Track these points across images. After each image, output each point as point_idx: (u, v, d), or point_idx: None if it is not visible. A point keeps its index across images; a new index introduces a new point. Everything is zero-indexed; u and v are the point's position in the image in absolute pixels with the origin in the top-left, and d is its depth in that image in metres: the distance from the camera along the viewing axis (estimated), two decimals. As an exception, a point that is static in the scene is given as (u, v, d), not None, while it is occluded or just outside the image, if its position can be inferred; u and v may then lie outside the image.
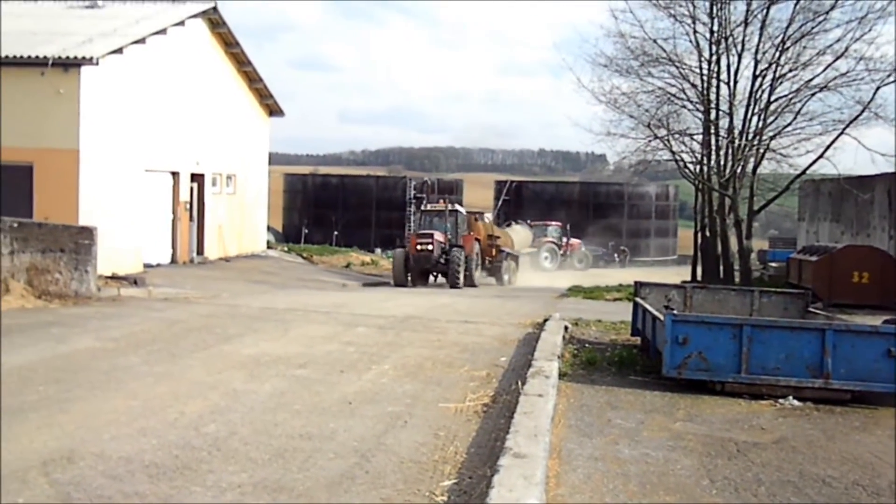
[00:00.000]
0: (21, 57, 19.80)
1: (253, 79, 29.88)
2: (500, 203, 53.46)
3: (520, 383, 8.43)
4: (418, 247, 27.43)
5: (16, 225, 14.92)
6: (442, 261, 27.51)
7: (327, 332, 12.44)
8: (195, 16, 25.61)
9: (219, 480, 5.53)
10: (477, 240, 30.00)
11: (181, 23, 24.42)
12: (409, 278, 28.11)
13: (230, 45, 28.03)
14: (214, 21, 26.90)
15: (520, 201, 54.09)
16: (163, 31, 23.14)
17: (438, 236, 27.93)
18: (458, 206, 31.41)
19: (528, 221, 45.71)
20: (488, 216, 34.89)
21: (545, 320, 13.61)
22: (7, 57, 19.77)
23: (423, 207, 30.88)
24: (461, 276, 26.92)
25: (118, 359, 9.57)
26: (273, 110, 32.26)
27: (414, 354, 10.73)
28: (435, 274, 29.09)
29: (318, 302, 17.14)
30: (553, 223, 46.30)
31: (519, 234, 43.35)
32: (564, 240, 45.30)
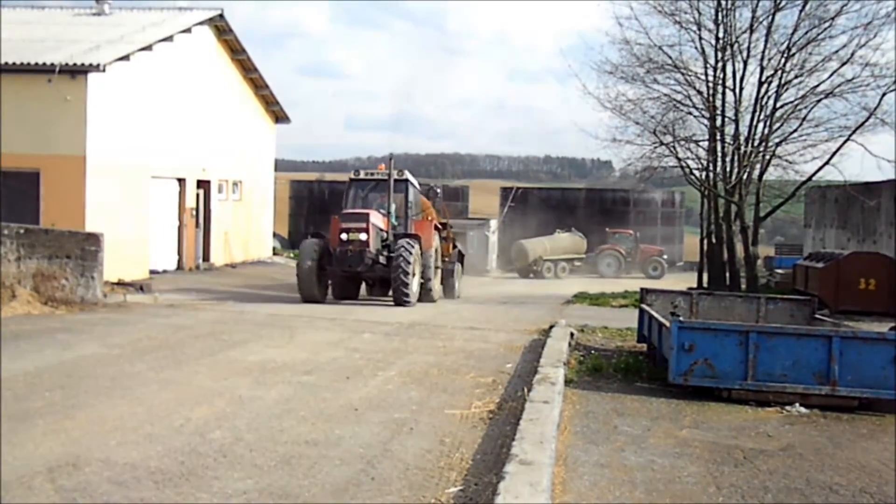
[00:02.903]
0: (28, 64, 19.88)
1: (259, 85, 29.93)
2: (505, 209, 53.41)
3: (525, 390, 8.42)
4: (343, 236, 18.28)
5: (22, 231, 14.98)
6: (381, 260, 18.76)
7: (333, 339, 12.44)
8: (201, 23, 25.67)
9: (224, 487, 5.53)
10: (437, 228, 21.43)
11: (188, 30, 24.49)
12: (330, 288, 19.51)
13: (236, 51, 28.09)
14: (221, 28, 26.96)
15: (525, 208, 54.01)
16: (169, 38, 23.20)
17: (377, 219, 19.14)
18: (407, 175, 20.81)
19: (607, 229, 47.27)
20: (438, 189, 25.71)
21: (551, 327, 13.60)
22: (14, 64, 19.86)
23: (355, 174, 21.08)
24: (412, 286, 18.39)
25: (124, 365, 9.59)
26: (279, 117, 32.30)
27: (420, 361, 10.73)
28: (371, 282, 20.63)
29: (324, 309, 17.16)
30: (622, 231, 47.32)
31: (566, 242, 44.16)
32: (634, 247, 46.26)
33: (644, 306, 12.25)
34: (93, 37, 22.83)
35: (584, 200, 55.89)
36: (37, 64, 19.86)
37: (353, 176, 21.22)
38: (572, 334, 12.97)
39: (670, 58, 24.66)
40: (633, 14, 25.09)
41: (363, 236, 18.37)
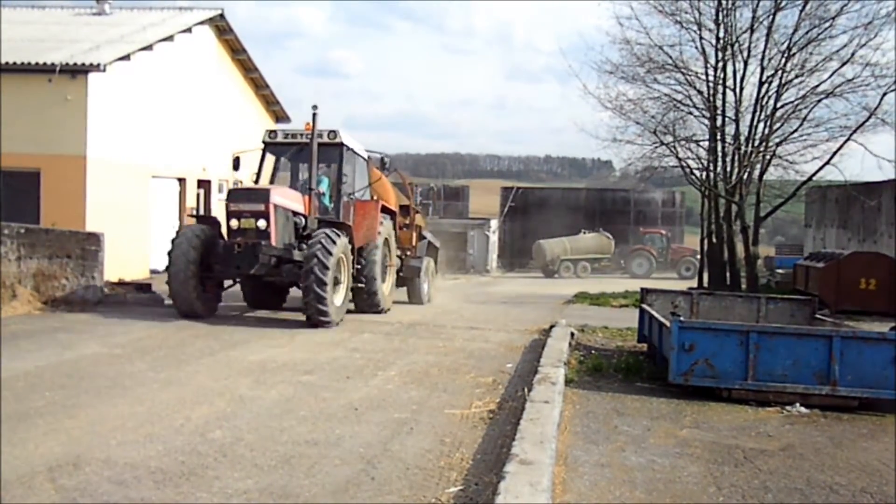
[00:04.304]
0: (29, 64, 19.88)
1: (259, 85, 29.91)
2: (506, 209, 53.44)
3: (526, 390, 8.42)
4: (232, 223, 13.50)
5: (23, 231, 14.98)
6: (298, 257, 13.58)
7: (333, 338, 12.44)
8: (202, 23, 25.67)
9: (225, 486, 5.53)
10: (389, 213, 16.69)
11: (188, 30, 24.49)
12: (245, 294, 15.35)
13: (237, 51, 28.08)
14: (221, 28, 26.96)
15: (526, 207, 54.06)
16: (170, 38, 23.21)
17: (287, 198, 14.11)
18: (343, 137, 15.37)
19: (641, 229, 49.08)
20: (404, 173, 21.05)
21: (551, 327, 13.60)
22: (15, 63, 19.86)
23: (270, 136, 15.72)
24: (333, 299, 13.31)
25: (124, 365, 9.59)
26: (279, 116, 32.27)
27: (420, 361, 10.73)
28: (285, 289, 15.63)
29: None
30: (654, 231, 48.59)
31: (590, 242, 44.68)
32: (666, 247, 47.39)
33: (644, 306, 12.25)
34: (93, 36, 22.83)
35: (584, 200, 55.97)
36: (37, 64, 19.86)
37: (267, 139, 15.62)
38: (573, 334, 12.97)
39: (671, 58, 24.66)
40: (633, 14, 25.11)
41: (261, 223, 13.26)
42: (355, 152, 16.20)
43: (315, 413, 7.63)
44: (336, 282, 13.61)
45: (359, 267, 15.17)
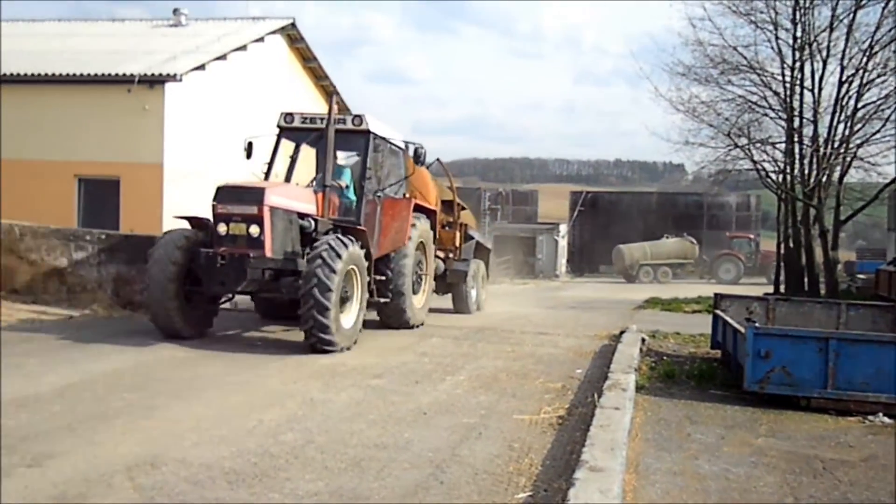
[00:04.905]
0: (108, 75, 20.52)
1: (329, 92, 30.21)
2: (575, 213, 53.07)
3: (596, 396, 8.32)
4: (220, 228, 11.28)
5: (103, 237, 15.44)
6: (303, 267, 11.24)
7: (402, 343, 12.50)
8: (274, 32, 26.15)
9: (296, 488, 5.59)
10: (426, 212, 14.75)
11: (261, 39, 24.98)
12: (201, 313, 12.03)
13: (307, 59, 28.50)
14: (293, 37, 27.41)
15: (595, 212, 53.60)
16: (243, 48, 23.70)
17: (288, 196, 11.89)
18: (370, 123, 13.29)
19: (728, 234, 48.03)
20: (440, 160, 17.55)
21: (621, 332, 13.43)
22: (95, 75, 20.53)
23: (285, 120, 13.74)
24: (338, 320, 11.02)
25: (199, 368, 9.79)
26: (349, 123, 32.65)
27: (489, 365, 10.70)
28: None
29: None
30: (742, 236, 47.75)
31: (672, 247, 44.33)
32: (754, 252, 46.62)
33: (718, 312, 12.00)
34: (170, 48, 23.46)
35: (655, 204, 55.24)
36: (117, 75, 20.49)
37: (282, 123, 13.73)
38: (643, 340, 12.79)
39: (745, 58, 24.14)
40: (706, 15, 24.68)
41: (253, 229, 11.08)
42: (387, 141, 14.04)
43: (384, 417, 7.67)
44: (345, 299, 11.50)
45: (383, 278, 13.12)
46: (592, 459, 5.87)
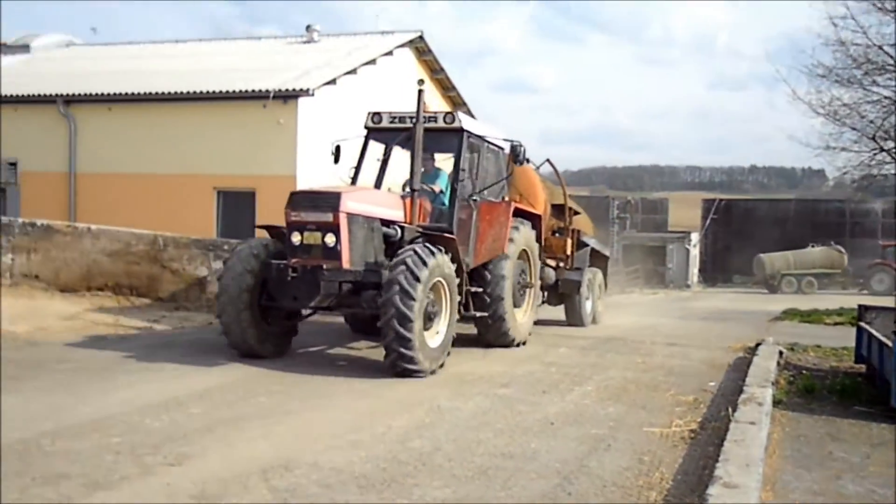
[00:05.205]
0: (245, 91, 21.42)
1: (456, 103, 30.59)
2: (707, 222, 51.62)
3: (730, 410, 8.04)
4: (294, 238, 10.52)
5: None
6: (380, 280, 10.08)
7: (528, 353, 12.45)
8: (402, 45, 26.64)
9: (424, 495, 5.64)
10: (529, 216, 13.54)
11: (389, 52, 25.49)
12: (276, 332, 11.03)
13: (435, 71, 28.88)
14: (420, 49, 27.85)
15: (729, 220, 51.96)
16: (372, 62, 24.26)
17: (361, 202, 10.81)
18: (462, 119, 12.38)
19: (881, 242, 45.75)
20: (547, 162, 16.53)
21: (757, 344, 12.94)
22: (233, 92, 21.47)
23: (373, 120, 12.90)
24: (414, 338, 9.65)
25: (330, 375, 10.02)
26: (475, 133, 32.89)
27: (617, 376, 10.52)
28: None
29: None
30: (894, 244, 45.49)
31: (817, 256, 42.80)
32: None
33: (862, 324, 11.38)
34: (303, 64, 24.26)
35: (794, 212, 53.01)
36: (253, 91, 21.35)
37: (370, 123, 12.88)
38: (781, 353, 12.27)
39: (892, 57, 22.87)
40: (848, 13, 23.44)
41: (329, 238, 10.28)
42: (483, 139, 12.87)
43: (511, 426, 7.65)
44: (430, 316, 10.26)
45: (480, 290, 12.06)
46: (727, 475, 5.66)
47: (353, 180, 12.78)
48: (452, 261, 10.70)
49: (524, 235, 13.07)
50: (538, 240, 13.88)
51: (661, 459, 6.70)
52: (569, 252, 15.78)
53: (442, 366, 10.41)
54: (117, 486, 5.60)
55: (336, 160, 12.89)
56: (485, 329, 12.53)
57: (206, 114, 22.48)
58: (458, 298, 10.97)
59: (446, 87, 29.66)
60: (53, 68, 28.66)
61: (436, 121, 12.13)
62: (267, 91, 21.21)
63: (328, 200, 10.42)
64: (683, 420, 8.09)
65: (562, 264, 15.72)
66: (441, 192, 12.46)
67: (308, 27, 28.83)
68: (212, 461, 6.23)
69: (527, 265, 13.50)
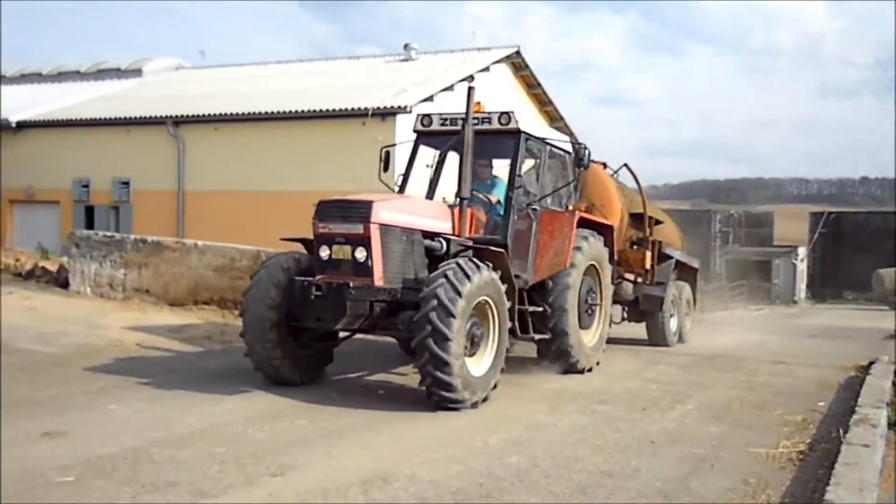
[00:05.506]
0: (345, 110, 21.88)
1: (553, 118, 30.47)
2: (815, 236, 49.83)
3: (841, 431, 7.71)
4: (322, 252, 9.22)
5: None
6: (418, 298, 8.57)
7: (627, 369, 12.24)
8: (499, 61, 26.74)
9: (520, 511, 5.60)
10: (598, 227, 11.97)
11: (486, 68, 25.62)
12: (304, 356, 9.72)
13: (532, 86, 28.86)
14: (517, 65, 27.89)
15: (839, 233, 50.02)
16: (470, 78, 24.39)
17: (398, 212, 9.47)
18: (517, 121, 10.75)
19: None
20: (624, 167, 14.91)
21: (870, 363, 12.39)
22: (333, 110, 21.97)
23: (422, 123, 11.58)
24: (453, 362, 8.28)
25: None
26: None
27: (720, 395, 10.23)
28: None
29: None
30: None
31: None
32: None
33: None
34: (401, 81, 24.64)
35: (908, 225, 50.60)
36: (352, 109, 21.80)
37: (419, 126, 11.58)
38: (896, 372, 11.71)
39: None
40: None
41: (359, 253, 9.00)
42: (544, 142, 11.46)
43: (610, 444, 7.52)
44: (474, 340, 8.97)
45: (541, 310, 10.71)
46: (838, 499, 5.43)
47: (401, 189, 11.64)
48: (503, 280, 9.28)
49: (593, 248, 11.57)
50: (611, 254, 12.30)
51: (768, 481, 6.46)
52: (648, 266, 14.08)
53: (486, 399, 9.03)
54: (222, 494, 5.75)
55: (385, 168, 11.97)
56: (547, 353, 11.17)
57: (306, 132, 23.08)
58: (509, 324, 9.52)
59: (543, 102, 29.59)
60: (163, 91, 29.96)
61: (490, 122, 10.81)
62: (366, 109, 21.63)
63: (358, 210, 9.11)
64: (791, 441, 7.79)
65: (639, 279, 14.14)
66: (498, 202, 11.12)
67: (406, 45, 29.26)
68: (313, 472, 6.33)
69: (595, 282, 11.93)
